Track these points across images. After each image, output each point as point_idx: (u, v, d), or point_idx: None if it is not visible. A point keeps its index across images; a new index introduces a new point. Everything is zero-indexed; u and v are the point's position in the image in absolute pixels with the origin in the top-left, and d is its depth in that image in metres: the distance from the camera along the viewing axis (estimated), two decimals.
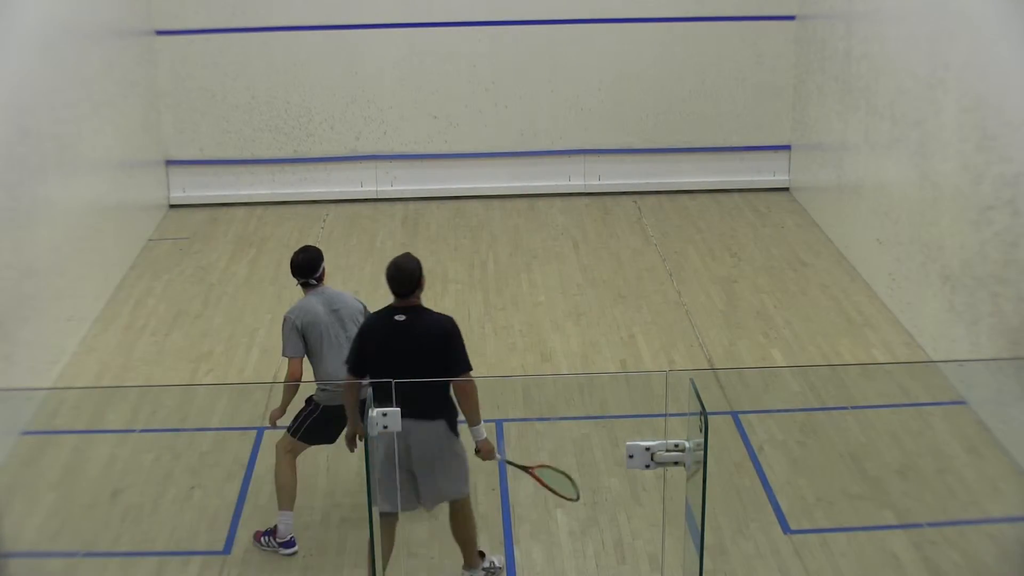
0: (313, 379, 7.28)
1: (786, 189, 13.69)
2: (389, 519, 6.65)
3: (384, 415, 6.38)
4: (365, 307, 7.42)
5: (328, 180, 13.52)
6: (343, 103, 13.40)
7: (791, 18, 13.25)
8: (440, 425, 6.55)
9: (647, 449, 5.78)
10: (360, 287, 11.17)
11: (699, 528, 5.62)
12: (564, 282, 11.27)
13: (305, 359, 7.25)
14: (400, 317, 6.52)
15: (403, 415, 6.04)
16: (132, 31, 12.62)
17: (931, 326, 9.60)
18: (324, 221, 12.87)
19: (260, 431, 8.52)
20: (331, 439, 7.33)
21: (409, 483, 6.60)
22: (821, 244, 12.11)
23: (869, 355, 9.70)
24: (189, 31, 13.06)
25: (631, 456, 5.91)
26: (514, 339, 10.12)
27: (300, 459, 7.41)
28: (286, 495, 7.24)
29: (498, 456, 6.88)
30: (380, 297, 10.82)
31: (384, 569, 6.60)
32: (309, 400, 7.32)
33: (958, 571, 6.98)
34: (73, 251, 10.12)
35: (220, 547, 7.30)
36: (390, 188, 13.66)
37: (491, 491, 7.82)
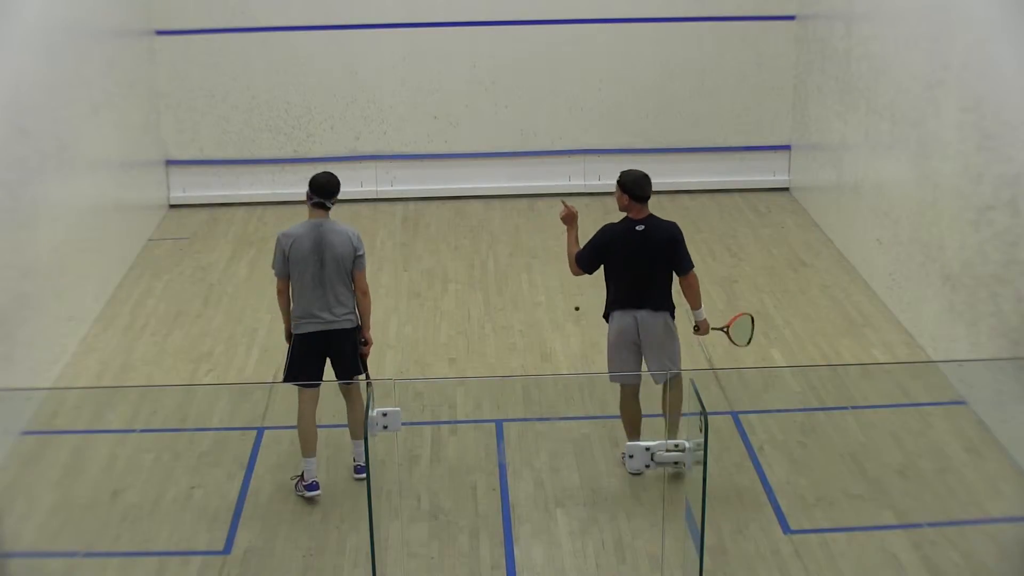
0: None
1: (786, 189, 13.70)
2: (630, 389, 7.89)
3: (384, 415, 6.39)
4: (357, 249, 7.65)
5: None
6: (343, 103, 13.40)
7: (791, 18, 13.25)
8: (665, 315, 7.74)
9: (647, 449, 5.79)
10: None
11: (699, 528, 5.63)
12: (564, 282, 11.26)
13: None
14: (640, 227, 7.68)
15: (639, 306, 7.63)
16: (132, 31, 12.62)
17: (931, 326, 9.60)
18: None
19: (260, 431, 8.53)
20: (311, 372, 7.71)
21: (634, 360, 7.79)
22: (821, 244, 12.11)
23: (869, 355, 9.70)
24: (189, 31, 13.06)
25: (631, 456, 5.92)
26: (514, 339, 10.12)
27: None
28: (303, 444, 7.73)
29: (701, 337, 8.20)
30: (380, 297, 10.88)
31: (639, 434, 7.81)
32: (290, 336, 7.81)
33: (958, 571, 6.98)
34: (73, 251, 10.11)
35: (220, 547, 7.29)
36: (390, 188, 13.66)
37: (491, 491, 7.82)
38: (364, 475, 7.60)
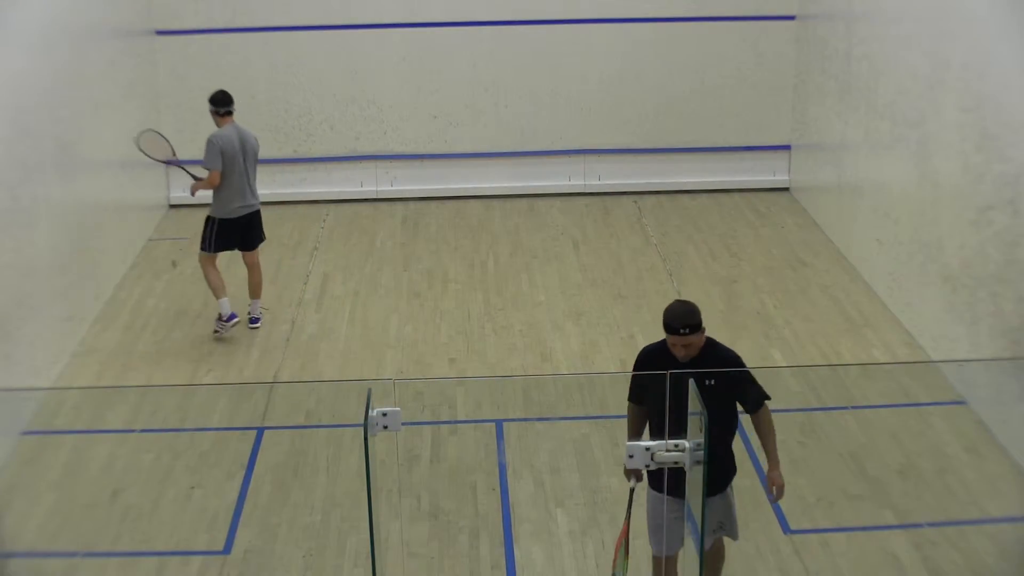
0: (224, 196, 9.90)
1: (786, 189, 13.69)
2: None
3: (384, 415, 6.38)
4: (256, 140, 10.06)
5: (328, 180, 13.52)
6: (343, 103, 13.40)
7: (791, 18, 13.25)
8: None
9: (647, 449, 5.78)
10: (360, 287, 11.18)
11: (699, 528, 5.62)
12: (564, 282, 11.27)
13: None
14: None
15: None
16: (132, 31, 12.62)
17: (931, 326, 9.60)
18: (324, 221, 12.87)
19: (260, 431, 8.53)
20: (233, 243, 10.09)
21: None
22: (821, 244, 12.11)
23: (869, 355, 9.70)
24: (189, 31, 13.06)
25: (631, 456, 5.90)
26: (514, 339, 10.12)
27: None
28: (217, 290, 10.00)
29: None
30: (380, 297, 10.88)
31: None
32: (208, 219, 9.96)
33: (958, 571, 6.98)
34: (73, 251, 10.11)
35: (220, 547, 7.30)
36: (390, 188, 13.66)
37: (491, 491, 7.82)
38: (258, 326, 10.19)
